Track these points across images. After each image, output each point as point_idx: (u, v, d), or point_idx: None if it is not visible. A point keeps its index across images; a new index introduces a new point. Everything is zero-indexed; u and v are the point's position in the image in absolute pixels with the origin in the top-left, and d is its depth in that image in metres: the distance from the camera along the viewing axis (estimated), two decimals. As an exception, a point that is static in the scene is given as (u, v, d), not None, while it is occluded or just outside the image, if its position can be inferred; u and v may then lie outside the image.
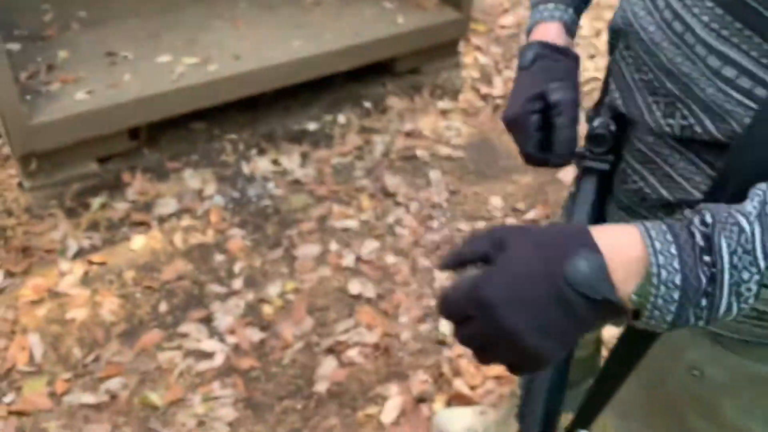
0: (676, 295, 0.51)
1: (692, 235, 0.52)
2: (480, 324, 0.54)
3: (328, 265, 2.12)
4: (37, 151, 2.15)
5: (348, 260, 2.13)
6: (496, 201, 2.39)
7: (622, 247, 0.52)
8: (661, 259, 0.51)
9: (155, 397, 1.70)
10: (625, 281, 0.52)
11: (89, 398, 1.70)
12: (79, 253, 2.10)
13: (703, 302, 0.52)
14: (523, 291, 0.52)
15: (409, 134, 2.66)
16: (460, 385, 1.74)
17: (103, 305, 1.95)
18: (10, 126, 2.07)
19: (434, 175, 2.49)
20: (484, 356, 0.57)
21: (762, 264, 0.50)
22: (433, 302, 2.00)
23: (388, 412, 1.69)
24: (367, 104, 2.78)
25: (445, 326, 1.92)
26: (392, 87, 2.86)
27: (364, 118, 2.72)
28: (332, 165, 2.50)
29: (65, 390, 1.72)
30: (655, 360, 0.86)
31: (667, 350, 0.83)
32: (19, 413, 1.66)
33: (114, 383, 1.74)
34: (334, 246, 2.19)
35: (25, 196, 2.21)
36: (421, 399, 1.72)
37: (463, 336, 0.56)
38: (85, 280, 2.02)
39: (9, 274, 2.01)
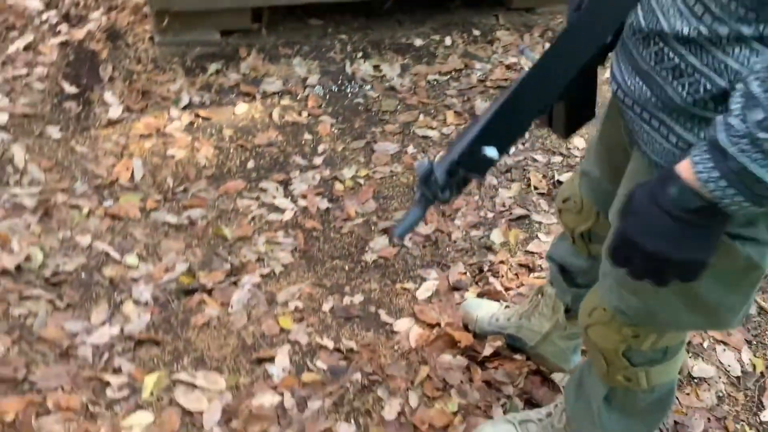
0: (723, 183, 0.71)
1: (711, 142, 0.72)
2: (639, 258, 0.77)
3: (402, 164, 2.26)
4: (171, 10, 2.40)
5: (421, 162, 2.26)
6: (579, 142, 2.43)
7: (687, 168, 0.74)
8: (700, 167, 0.72)
9: (227, 231, 1.93)
10: (701, 188, 0.72)
11: (172, 219, 1.94)
12: (189, 106, 2.35)
13: (747, 179, 0.70)
14: (651, 224, 0.75)
15: (509, 67, 2.73)
16: (495, 282, 1.85)
17: (200, 151, 2.19)
18: (153, -18, 2.33)
19: (523, 107, 2.55)
20: (659, 279, 0.79)
21: (761, 136, 0.67)
22: (490, 215, 2.11)
23: (424, 291, 1.83)
24: (476, 32, 2.86)
25: (496, 235, 2.02)
26: (504, 21, 2.92)
27: (470, 45, 2.81)
28: (428, 80, 2.62)
29: (154, 207, 1.97)
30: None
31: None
32: (114, 216, 1.93)
33: (195, 212, 1.98)
34: (411, 149, 2.32)
35: (153, 49, 2.49)
36: (455, 287, 1.85)
37: (636, 272, 0.80)
38: (189, 129, 2.27)
39: (128, 110, 2.29)
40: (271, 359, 1.60)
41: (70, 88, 2.33)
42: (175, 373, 1.53)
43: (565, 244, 1.42)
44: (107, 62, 2.44)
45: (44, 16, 2.59)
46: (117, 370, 1.51)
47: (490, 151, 0.83)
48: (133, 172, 2.07)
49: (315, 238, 1.98)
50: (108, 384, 1.47)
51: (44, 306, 1.63)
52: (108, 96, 2.32)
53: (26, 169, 2.01)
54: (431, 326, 1.74)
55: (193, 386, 1.50)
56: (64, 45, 2.49)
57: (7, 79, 2.31)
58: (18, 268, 1.70)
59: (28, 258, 1.73)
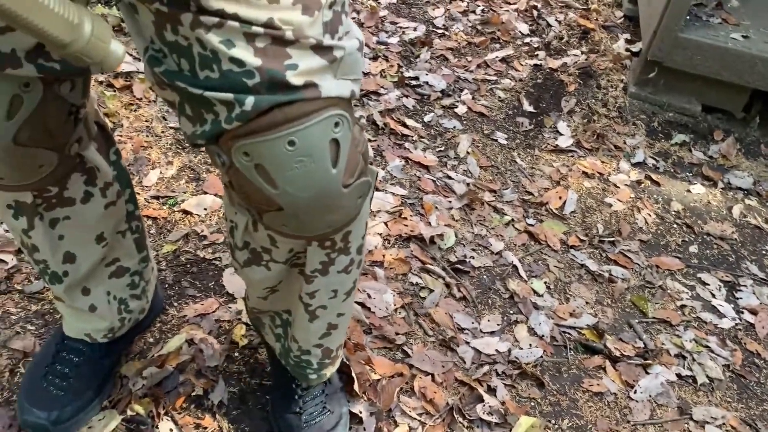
0: None
1: None
2: None
3: None
4: (664, 63, 2.17)
5: None
6: None
7: None
8: None
9: (649, 306, 1.57)
10: None
11: (592, 265, 1.66)
12: (641, 165, 2.07)
13: None
14: None
15: None
16: None
17: (641, 212, 1.88)
18: (662, 31, 2.12)
19: None
20: None
21: None
22: None
23: None
24: None
25: None
26: None
27: None
28: None
29: (575, 245, 1.72)
30: None
31: None
32: (532, 236, 1.72)
33: (618, 270, 1.67)
34: None
35: (623, 99, 2.28)
36: None
37: None
38: (635, 186, 1.98)
39: (577, 145, 2.10)
40: (671, 483, 1.18)
41: (528, 107, 2.25)
42: (551, 431, 1.22)
43: None
44: (572, 96, 2.31)
45: (527, 40, 2.60)
46: (491, 390, 1.26)
47: None
48: (564, 203, 1.85)
49: (756, 366, 1.49)
50: (481, 399, 1.23)
51: (440, 287, 1.48)
52: (561, 126, 2.17)
53: (465, 160, 1.95)
54: None
55: (570, 458, 1.17)
56: (536, 68, 2.44)
57: (477, 80, 2.33)
58: (431, 240, 1.59)
59: (441, 236, 1.62)
